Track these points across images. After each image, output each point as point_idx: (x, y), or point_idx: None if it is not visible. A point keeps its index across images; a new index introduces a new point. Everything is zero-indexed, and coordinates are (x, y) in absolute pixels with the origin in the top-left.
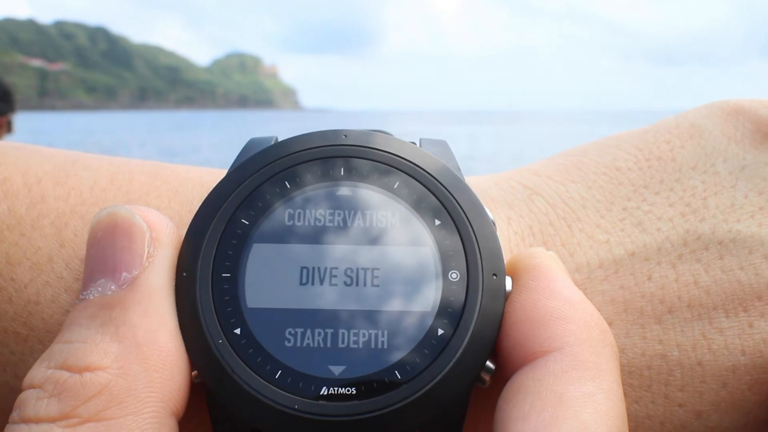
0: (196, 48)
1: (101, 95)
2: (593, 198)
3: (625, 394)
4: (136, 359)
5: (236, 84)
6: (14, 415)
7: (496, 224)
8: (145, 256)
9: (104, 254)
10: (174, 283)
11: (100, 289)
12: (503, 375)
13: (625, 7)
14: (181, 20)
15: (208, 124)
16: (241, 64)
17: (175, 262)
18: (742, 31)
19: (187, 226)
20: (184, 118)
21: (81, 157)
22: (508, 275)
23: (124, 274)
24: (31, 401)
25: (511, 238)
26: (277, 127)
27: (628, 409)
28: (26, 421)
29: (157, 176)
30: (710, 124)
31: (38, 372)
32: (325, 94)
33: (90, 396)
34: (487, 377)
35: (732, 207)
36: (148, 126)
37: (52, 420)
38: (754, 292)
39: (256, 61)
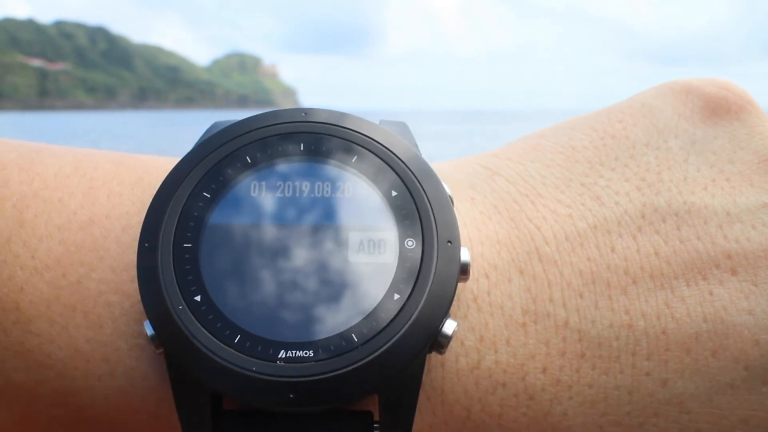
0: (196, 48)
1: (101, 95)
2: (552, 175)
3: (595, 367)
4: None
5: (236, 84)
6: None
7: (462, 205)
8: None
9: None
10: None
11: None
12: None
13: (626, 6)
14: (181, 20)
15: None
16: (241, 64)
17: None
18: (743, 31)
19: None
20: (186, 118)
21: (47, 147)
22: None
23: None
24: None
25: (476, 218)
26: None
27: (597, 380)
28: None
29: (121, 164)
30: (661, 103)
31: None
32: (325, 94)
33: None
34: (445, 342)
35: (685, 180)
36: None
37: None
38: (711, 260)
39: (255, 61)
